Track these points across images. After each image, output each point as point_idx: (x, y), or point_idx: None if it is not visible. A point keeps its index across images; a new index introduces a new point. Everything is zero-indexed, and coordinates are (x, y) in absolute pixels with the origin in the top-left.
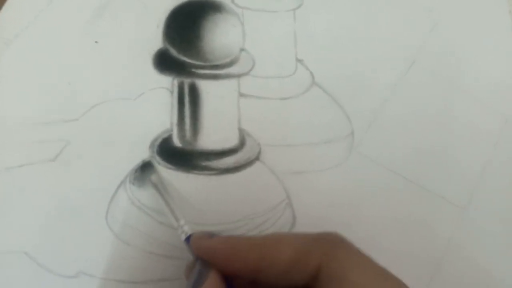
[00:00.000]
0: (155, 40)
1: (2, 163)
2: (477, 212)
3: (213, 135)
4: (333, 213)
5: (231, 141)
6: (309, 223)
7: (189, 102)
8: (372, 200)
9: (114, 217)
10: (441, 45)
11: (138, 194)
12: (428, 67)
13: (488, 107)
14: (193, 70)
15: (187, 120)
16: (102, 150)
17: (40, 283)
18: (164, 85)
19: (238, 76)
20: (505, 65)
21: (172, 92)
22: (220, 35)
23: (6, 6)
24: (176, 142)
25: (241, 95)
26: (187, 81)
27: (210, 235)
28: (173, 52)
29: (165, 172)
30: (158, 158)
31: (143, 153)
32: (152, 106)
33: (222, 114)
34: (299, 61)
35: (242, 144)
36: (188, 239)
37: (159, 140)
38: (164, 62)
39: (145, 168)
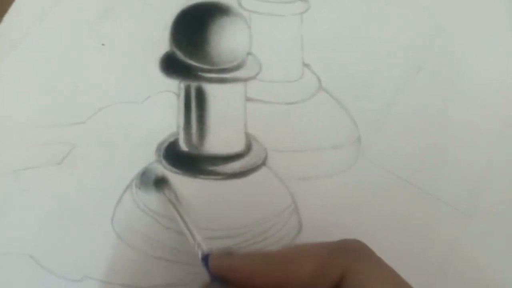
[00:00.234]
0: (162, 43)
1: (8, 166)
2: (478, 215)
3: (219, 139)
4: (340, 218)
5: (238, 146)
6: (316, 228)
7: (195, 106)
8: (379, 205)
9: (119, 221)
10: (443, 46)
11: (144, 198)
12: (429, 68)
13: (489, 109)
14: (200, 73)
15: (194, 124)
16: (108, 153)
17: (42, 286)
18: (171, 89)
19: (245, 80)
20: (506, 66)
21: (178, 96)
22: (227, 39)
23: (12, 7)
24: (183, 146)
25: (248, 99)
26: (193, 84)
27: (228, 253)
28: (180, 55)
29: (171, 176)
30: (164, 162)
31: (150, 156)
32: (159, 110)
33: (229, 118)
34: (306, 65)
35: (248, 149)
36: (205, 258)
37: (166, 144)
38: (171, 65)
39: (159, 183)
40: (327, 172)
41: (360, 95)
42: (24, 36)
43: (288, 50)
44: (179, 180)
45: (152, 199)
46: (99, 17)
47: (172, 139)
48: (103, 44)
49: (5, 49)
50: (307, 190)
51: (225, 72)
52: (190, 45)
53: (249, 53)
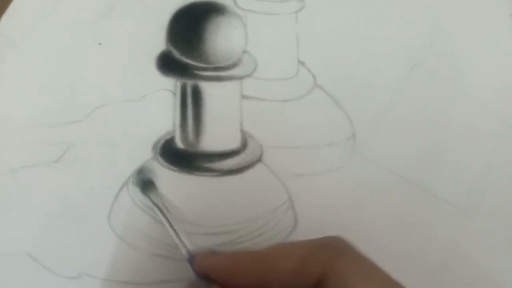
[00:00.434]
0: (159, 42)
1: (5, 164)
2: (478, 214)
3: (215, 136)
4: (335, 215)
5: (234, 143)
6: (311, 225)
7: (191, 104)
8: (374, 202)
9: (116, 218)
10: (442, 46)
11: (140, 196)
12: (429, 68)
13: (489, 108)
14: (196, 72)
15: (190, 121)
16: (105, 151)
17: (42, 284)
18: (167, 87)
19: (241, 78)
20: (506, 66)
21: (175, 94)
22: (223, 37)
23: (11, 6)
24: (179, 143)
25: (244, 97)
26: (190, 83)
27: (213, 253)
28: (176, 54)
29: (167, 173)
30: (160, 159)
31: (146, 154)
32: (155, 108)
33: (225, 116)
34: (301, 63)
35: (244, 146)
36: (190, 258)
37: (162, 142)
38: (167, 64)
39: (146, 187)
40: (322, 168)
41: (355, 92)
42: (24, 35)
43: (283, 48)
44: (175, 177)
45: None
46: (98, 17)
47: (168, 137)
48: (99, 44)
49: (4, 48)
50: (302, 187)
51: (220, 70)
52: (186, 44)
53: (244, 51)
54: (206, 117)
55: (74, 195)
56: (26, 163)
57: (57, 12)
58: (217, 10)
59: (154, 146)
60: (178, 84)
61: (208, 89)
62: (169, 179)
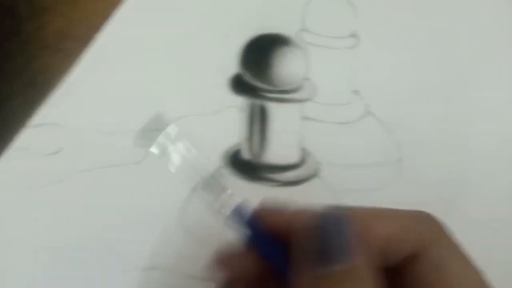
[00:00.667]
0: (232, 64)
1: (94, 163)
2: None
3: (277, 151)
4: None
5: (294, 158)
6: None
7: (258, 121)
8: None
9: (186, 219)
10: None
11: (208, 199)
12: (472, 97)
13: None
14: (263, 93)
15: (256, 136)
16: (179, 157)
17: (118, 274)
18: (238, 105)
19: (302, 101)
20: None
21: (243, 111)
22: (288, 65)
23: (108, 23)
24: (245, 155)
25: (304, 117)
26: (257, 102)
27: (283, 206)
28: (247, 77)
29: (234, 181)
30: (228, 168)
31: (216, 162)
32: (226, 122)
33: (287, 133)
34: (355, 92)
35: (303, 161)
36: (239, 213)
37: (230, 153)
38: (239, 85)
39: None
40: (372, 186)
41: (403, 120)
42: (115, 50)
43: (340, 78)
44: (240, 184)
45: (216, 199)
46: (181, 40)
47: (236, 148)
48: (181, 62)
49: (97, 61)
50: (354, 201)
51: (285, 93)
52: (256, 69)
53: (306, 78)
54: (270, 133)
55: (150, 194)
56: (112, 163)
57: (146, 33)
58: (284, 41)
59: (224, 155)
60: (247, 103)
61: (273, 109)
62: (233, 186)
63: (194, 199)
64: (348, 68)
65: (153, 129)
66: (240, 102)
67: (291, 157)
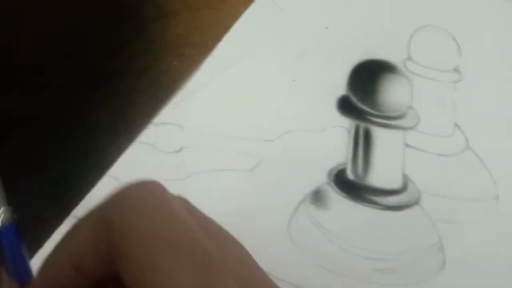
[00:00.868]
0: (340, 86)
1: (209, 165)
2: None
3: (381, 175)
4: (482, 263)
5: (396, 183)
6: (458, 268)
7: (362, 143)
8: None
9: (293, 230)
10: None
11: (315, 213)
12: None
13: None
14: (369, 117)
15: (360, 158)
16: (289, 169)
17: None
18: (344, 125)
19: (405, 129)
20: None
21: (349, 132)
22: (394, 92)
23: (228, 35)
24: (349, 175)
25: (407, 145)
26: (362, 125)
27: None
28: (354, 99)
29: (338, 198)
30: (333, 185)
31: (322, 179)
32: (332, 141)
33: (390, 158)
34: (457, 126)
35: (405, 187)
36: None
37: (335, 171)
38: (346, 107)
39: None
40: (469, 220)
41: (502, 159)
42: (233, 62)
43: (442, 110)
44: (344, 203)
45: (322, 215)
46: (294, 57)
47: (341, 167)
48: (293, 80)
49: (217, 69)
50: (452, 233)
51: (389, 119)
52: (363, 93)
53: (410, 107)
54: (374, 157)
55: (261, 201)
56: (226, 167)
57: (264, 47)
58: (391, 69)
59: (329, 173)
60: (353, 124)
61: (378, 133)
62: (338, 204)
63: (300, 212)
64: (451, 102)
65: None
66: (345, 122)
67: (394, 182)
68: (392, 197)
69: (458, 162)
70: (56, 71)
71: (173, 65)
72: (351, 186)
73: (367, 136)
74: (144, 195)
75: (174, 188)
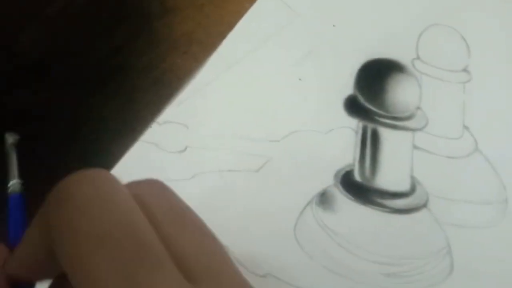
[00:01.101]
0: (347, 86)
1: (216, 165)
2: None
3: (389, 177)
4: (490, 268)
5: (404, 186)
6: (466, 273)
7: (370, 144)
8: None
9: (300, 231)
10: None
11: (322, 215)
12: None
13: None
14: (376, 118)
15: (367, 159)
16: (295, 170)
17: None
18: (351, 126)
19: (413, 130)
20: None
21: (356, 133)
22: (402, 92)
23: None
24: (357, 176)
25: (415, 147)
26: (370, 126)
27: None
28: (361, 99)
29: (345, 200)
30: (340, 187)
31: (328, 180)
32: (339, 142)
33: (398, 160)
34: (465, 127)
35: (413, 190)
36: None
37: (343, 172)
38: (353, 107)
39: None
40: (478, 224)
41: (510, 160)
42: (238, 59)
43: (451, 112)
44: (351, 205)
45: (329, 217)
46: (300, 57)
47: (348, 169)
48: (300, 79)
49: (221, 67)
50: (460, 237)
51: (397, 120)
52: (371, 93)
53: (418, 108)
54: (382, 158)
55: (267, 202)
56: (231, 167)
57: (269, 46)
58: (399, 68)
59: (336, 174)
60: (360, 125)
61: (385, 134)
62: (345, 206)
63: (307, 214)
64: (459, 103)
65: None
66: (353, 123)
67: (401, 185)
68: (400, 200)
69: (467, 164)
70: (59, 69)
71: (177, 63)
72: (358, 188)
73: (375, 137)
74: (81, 188)
75: (178, 188)
